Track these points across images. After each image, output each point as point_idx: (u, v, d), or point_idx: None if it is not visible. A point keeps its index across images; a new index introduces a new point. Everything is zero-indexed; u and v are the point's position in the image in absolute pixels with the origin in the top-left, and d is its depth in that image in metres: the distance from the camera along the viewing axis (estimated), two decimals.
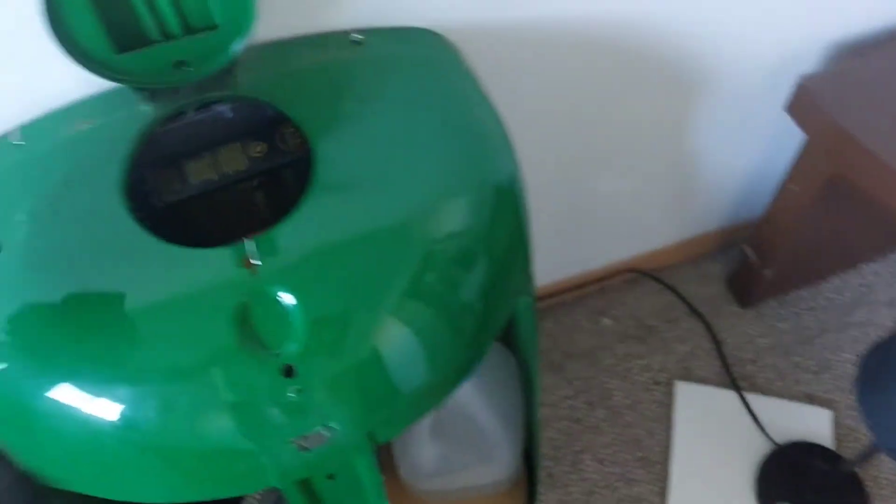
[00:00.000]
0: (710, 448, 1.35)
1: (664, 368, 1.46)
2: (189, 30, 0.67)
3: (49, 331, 0.59)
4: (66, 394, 0.58)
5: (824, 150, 1.13)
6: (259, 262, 0.59)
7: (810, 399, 1.41)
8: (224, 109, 0.74)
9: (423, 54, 0.80)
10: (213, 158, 0.74)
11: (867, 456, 1.19)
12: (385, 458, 1.13)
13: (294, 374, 0.59)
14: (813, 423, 1.37)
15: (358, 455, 0.67)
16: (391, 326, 0.62)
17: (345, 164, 0.66)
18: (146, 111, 0.69)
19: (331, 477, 0.69)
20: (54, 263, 0.61)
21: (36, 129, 0.71)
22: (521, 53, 0.94)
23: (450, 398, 0.71)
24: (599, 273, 1.52)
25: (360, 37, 0.78)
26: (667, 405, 1.41)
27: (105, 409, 0.58)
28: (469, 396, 1.11)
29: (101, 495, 0.65)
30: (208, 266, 0.60)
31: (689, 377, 1.45)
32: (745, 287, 1.52)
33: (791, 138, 1.21)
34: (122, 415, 0.58)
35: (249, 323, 0.58)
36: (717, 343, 1.49)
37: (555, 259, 1.41)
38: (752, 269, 1.46)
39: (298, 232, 0.62)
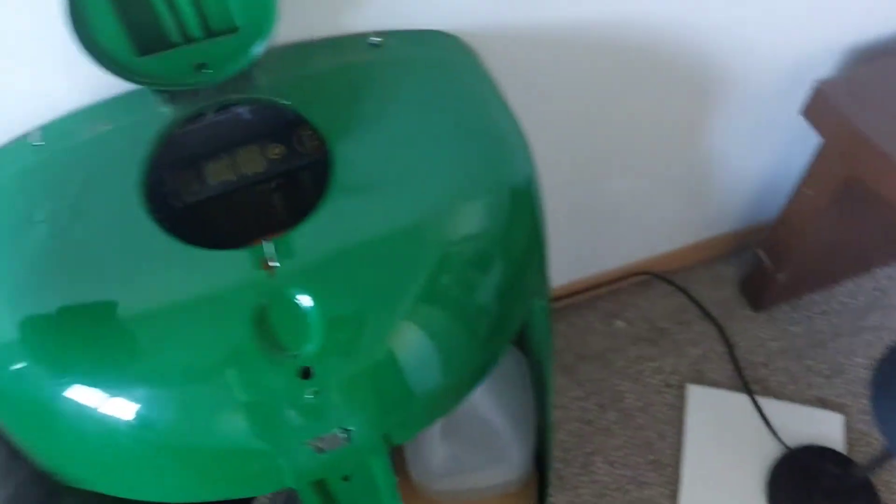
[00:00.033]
0: (722, 451, 1.35)
1: (676, 371, 1.46)
2: (210, 32, 0.67)
3: (67, 330, 0.59)
4: (83, 393, 0.58)
5: (839, 153, 1.13)
6: (277, 264, 0.60)
7: (822, 403, 1.41)
8: (243, 111, 0.74)
9: (441, 57, 0.81)
10: (231, 160, 0.74)
11: (880, 461, 1.18)
12: (396, 458, 1.13)
13: (311, 376, 0.59)
14: (825, 428, 1.37)
15: (373, 457, 0.67)
16: (408, 329, 0.62)
17: (362, 167, 0.66)
18: (165, 113, 0.70)
19: (346, 478, 0.69)
20: (73, 264, 0.61)
21: (56, 130, 0.71)
22: (538, 55, 0.94)
23: (465, 401, 0.71)
24: (612, 275, 1.52)
25: (378, 39, 0.78)
26: (678, 408, 1.41)
27: (123, 408, 0.58)
28: (480, 397, 1.11)
29: (117, 494, 0.65)
30: (226, 267, 0.61)
31: (701, 380, 1.44)
32: (758, 290, 1.51)
33: (806, 142, 1.21)
34: (140, 414, 0.58)
35: (267, 324, 0.58)
36: (730, 346, 1.48)
37: (568, 260, 1.41)
38: (765, 272, 1.45)
39: (317, 234, 0.62)
